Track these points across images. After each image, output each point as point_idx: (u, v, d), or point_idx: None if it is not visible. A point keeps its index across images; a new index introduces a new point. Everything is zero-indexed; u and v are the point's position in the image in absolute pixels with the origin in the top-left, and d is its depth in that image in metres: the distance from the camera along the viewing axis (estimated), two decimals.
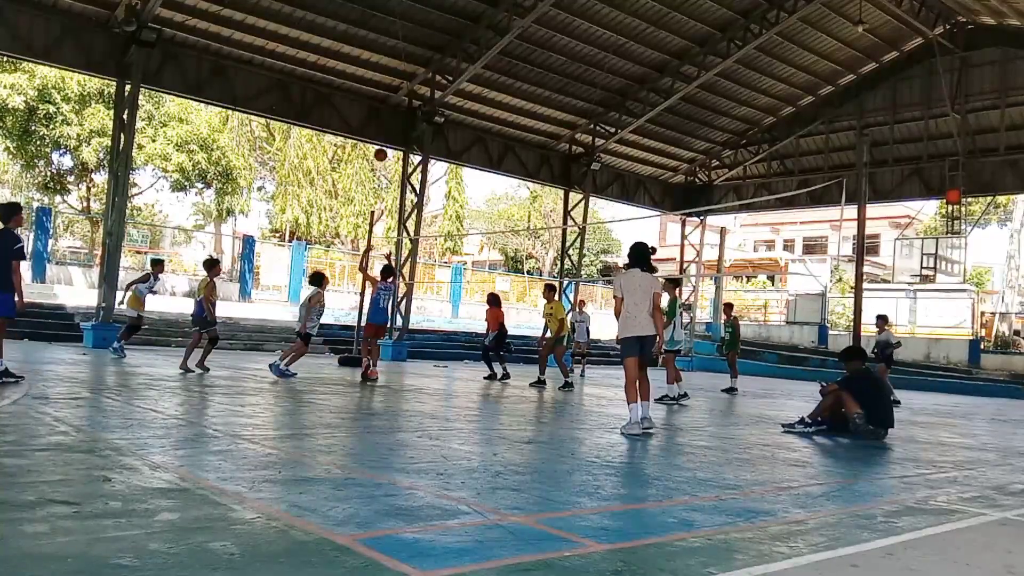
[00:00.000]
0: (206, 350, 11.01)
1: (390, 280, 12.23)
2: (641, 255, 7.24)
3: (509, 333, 14.86)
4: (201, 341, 11.10)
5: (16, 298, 7.69)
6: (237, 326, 19.34)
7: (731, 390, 14.51)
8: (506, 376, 13.67)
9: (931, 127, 22.29)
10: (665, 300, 11.56)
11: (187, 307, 21.68)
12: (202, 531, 3.06)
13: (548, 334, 13.47)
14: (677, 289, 11.84)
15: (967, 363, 23.80)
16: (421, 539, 3.19)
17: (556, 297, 13.57)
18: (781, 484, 5.09)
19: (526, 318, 31.04)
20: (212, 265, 11.51)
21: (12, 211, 7.90)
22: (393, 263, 13.54)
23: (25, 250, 8.01)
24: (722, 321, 16.55)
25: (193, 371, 10.56)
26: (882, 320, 15.18)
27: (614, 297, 7.25)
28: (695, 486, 4.83)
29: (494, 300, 14.53)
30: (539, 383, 12.70)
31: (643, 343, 7.11)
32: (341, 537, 3.09)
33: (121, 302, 13.75)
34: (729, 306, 16.21)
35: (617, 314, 7.16)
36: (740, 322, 16.19)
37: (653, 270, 7.29)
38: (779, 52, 21.26)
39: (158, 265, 14.27)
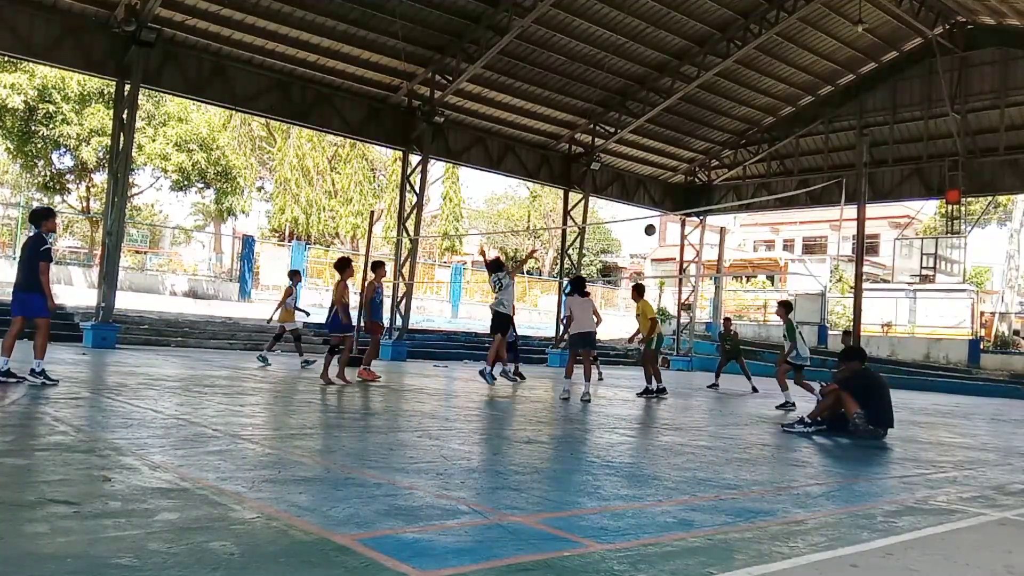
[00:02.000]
0: (326, 360, 10.38)
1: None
2: (580, 286, 11.38)
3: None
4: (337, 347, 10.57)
5: (48, 300, 7.96)
6: (237, 326, 19.34)
7: (753, 389, 14.94)
8: (520, 377, 13.48)
9: (931, 127, 22.29)
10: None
11: (186, 307, 21.77)
12: (202, 531, 3.06)
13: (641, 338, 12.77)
14: (791, 312, 12.04)
15: (967, 363, 23.80)
16: (421, 539, 3.19)
17: (642, 296, 12.74)
18: (781, 484, 5.09)
19: (526, 318, 31.05)
20: (345, 266, 10.68)
21: (44, 215, 8.21)
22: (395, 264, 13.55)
23: (52, 252, 8.29)
24: (721, 330, 17.00)
25: (336, 382, 10.11)
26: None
27: (567, 317, 10.91)
28: (695, 486, 4.83)
29: None
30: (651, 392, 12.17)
31: (584, 338, 10.64)
32: (341, 537, 3.09)
33: (270, 319, 14.30)
34: (728, 320, 17.07)
35: (568, 322, 10.86)
36: (741, 323, 16.56)
37: (586, 294, 11.13)
38: (779, 52, 21.26)
39: (296, 275, 14.46)
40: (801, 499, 4.64)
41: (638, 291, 12.95)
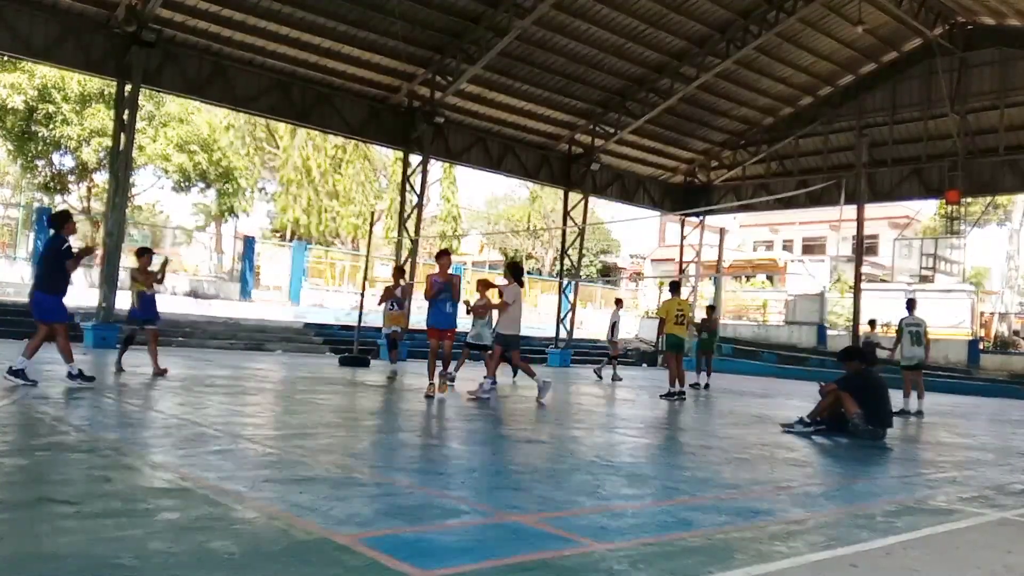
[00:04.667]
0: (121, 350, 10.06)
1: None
2: (518, 272, 10.28)
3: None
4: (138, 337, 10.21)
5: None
6: (237, 326, 19.34)
7: (700, 386, 14.81)
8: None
9: (930, 127, 22.29)
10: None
11: (187, 307, 21.76)
12: (202, 531, 3.07)
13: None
14: (911, 309, 12.18)
15: (966, 363, 23.80)
16: (421, 539, 3.20)
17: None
18: (780, 484, 5.09)
19: (526, 318, 30.99)
20: (143, 253, 10.38)
21: (64, 218, 8.16)
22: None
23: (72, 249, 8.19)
24: (701, 320, 16.55)
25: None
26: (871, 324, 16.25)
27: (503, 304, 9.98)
28: (695, 486, 4.84)
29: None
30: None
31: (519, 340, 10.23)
32: (341, 537, 3.10)
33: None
34: (711, 308, 17.09)
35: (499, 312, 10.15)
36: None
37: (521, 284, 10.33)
38: (778, 53, 21.26)
39: (400, 273, 13.27)
40: (800, 499, 4.65)
41: (670, 289, 12.96)
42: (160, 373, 9.54)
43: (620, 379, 15.96)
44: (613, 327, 16.48)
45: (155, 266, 10.47)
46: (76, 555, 2.68)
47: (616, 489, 4.59)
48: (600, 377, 16.37)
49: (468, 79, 18.80)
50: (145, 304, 10.01)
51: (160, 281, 10.25)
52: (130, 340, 10.24)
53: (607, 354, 17.20)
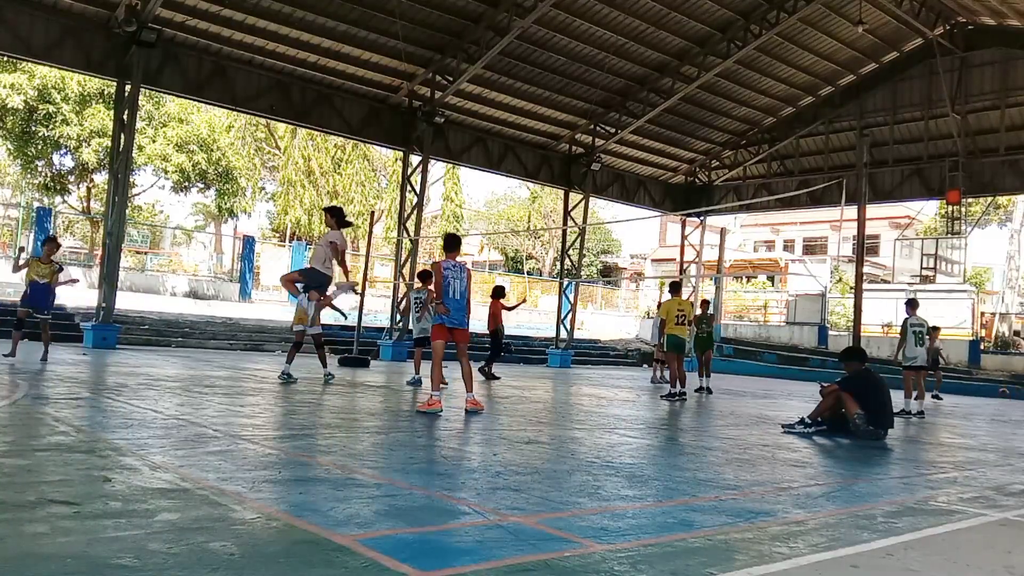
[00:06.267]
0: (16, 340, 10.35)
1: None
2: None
3: (510, 333, 14.82)
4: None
5: None
6: (237, 326, 19.34)
7: (703, 389, 13.98)
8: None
9: (931, 127, 22.29)
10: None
11: (186, 308, 21.77)
12: (202, 531, 3.06)
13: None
14: (912, 309, 12.01)
15: (967, 363, 23.80)
16: (421, 539, 3.19)
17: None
18: (781, 484, 5.09)
19: (526, 318, 31.03)
20: (53, 245, 11.09)
21: None
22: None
23: None
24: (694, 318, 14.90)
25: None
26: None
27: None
28: (695, 486, 4.83)
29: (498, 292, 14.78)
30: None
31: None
32: (341, 537, 3.09)
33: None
34: (705, 303, 16.01)
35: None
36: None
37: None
38: (779, 53, 21.26)
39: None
40: (801, 500, 4.64)
41: (670, 289, 12.97)
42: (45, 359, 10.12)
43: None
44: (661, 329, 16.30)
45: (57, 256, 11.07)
46: (75, 555, 2.67)
47: (617, 490, 4.58)
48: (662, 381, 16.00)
49: (468, 79, 18.80)
50: (37, 293, 10.49)
51: (53, 277, 10.68)
52: (21, 324, 10.59)
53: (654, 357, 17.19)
